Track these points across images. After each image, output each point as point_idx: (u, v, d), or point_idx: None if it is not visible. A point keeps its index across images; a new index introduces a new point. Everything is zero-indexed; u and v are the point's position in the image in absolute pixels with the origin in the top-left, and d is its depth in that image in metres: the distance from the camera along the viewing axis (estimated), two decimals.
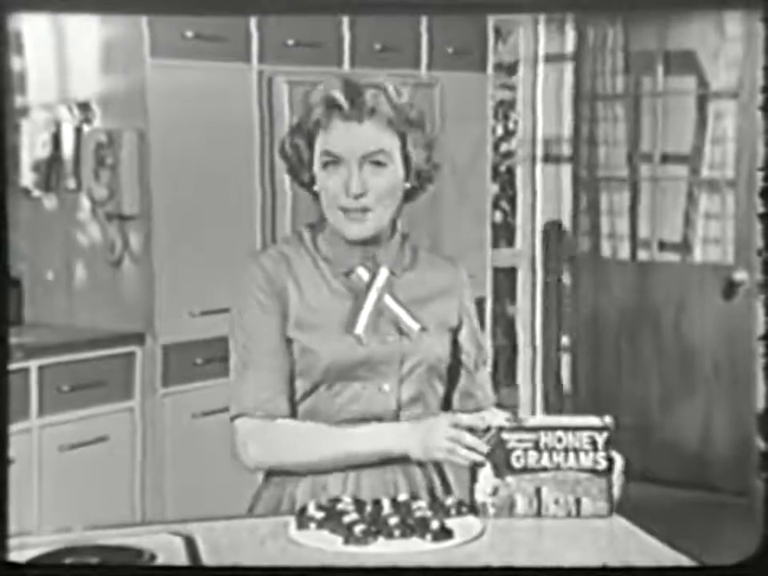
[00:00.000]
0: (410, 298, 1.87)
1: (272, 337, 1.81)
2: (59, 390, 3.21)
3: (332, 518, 1.69)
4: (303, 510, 1.73)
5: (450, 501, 1.78)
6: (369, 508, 1.72)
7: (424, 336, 1.86)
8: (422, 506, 1.73)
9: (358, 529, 1.65)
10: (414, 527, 1.67)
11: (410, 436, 1.78)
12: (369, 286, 1.84)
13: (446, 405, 1.97)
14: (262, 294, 1.81)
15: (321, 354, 1.80)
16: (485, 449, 1.74)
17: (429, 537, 1.66)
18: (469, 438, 1.74)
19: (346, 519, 1.68)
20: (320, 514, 1.70)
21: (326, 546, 1.64)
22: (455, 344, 1.94)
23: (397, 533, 1.66)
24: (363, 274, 1.85)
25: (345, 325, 1.81)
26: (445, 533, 1.67)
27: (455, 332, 1.94)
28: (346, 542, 1.64)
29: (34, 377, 3.17)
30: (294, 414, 1.85)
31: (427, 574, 1.46)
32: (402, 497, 1.77)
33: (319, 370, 1.81)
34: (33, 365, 3.16)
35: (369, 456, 1.81)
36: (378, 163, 1.77)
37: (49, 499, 3.17)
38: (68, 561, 1.60)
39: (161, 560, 1.60)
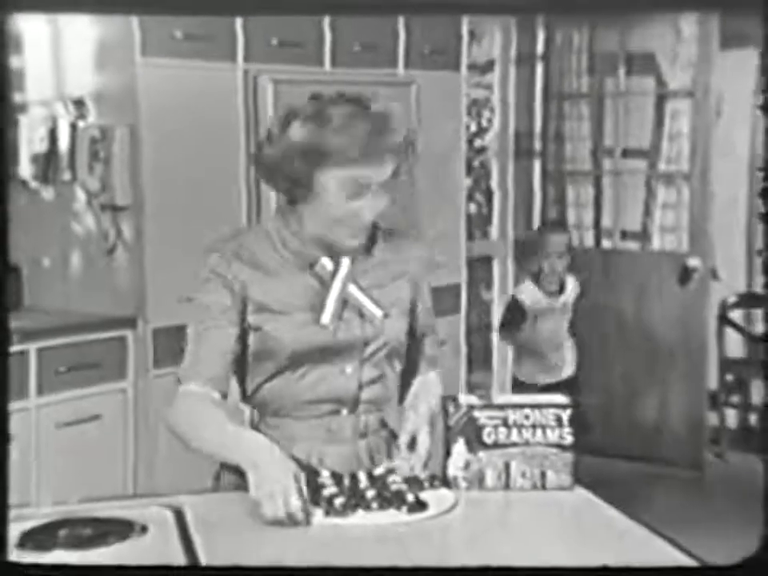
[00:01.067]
0: (372, 282, 1.84)
1: (224, 320, 1.78)
2: (56, 371, 3.18)
3: (313, 490, 1.67)
4: None
5: (424, 474, 1.78)
6: (347, 482, 1.71)
7: (386, 321, 1.83)
8: (397, 480, 1.72)
9: (338, 502, 1.64)
10: (390, 500, 1.66)
11: (258, 461, 1.64)
12: (333, 275, 1.81)
13: (403, 381, 1.95)
14: (220, 281, 1.78)
15: (285, 340, 1.78)
16: (300, 517, 1.59)
17: (405, 509, 1.65)
18: (294, 503, 1.59)
19: (326, 492, 1.66)
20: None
21: None
22: (415, 321, 1.92)
23: (374, 505, 1.65)
24: (327, 263, 1.81)
25: (310, 313, 1.79)
26: (420, 505, 1.66)
27: (414, 309, 1.91)
28: (327, 513, 1.63)
29: (32, 358, 3.14)
30: (246, 394, 1.85)
31: (426, 573, 1.43)
32: (378, 471, 1.76)
33: (284, 356, 1.79)
34: (31, 347, 3.13)
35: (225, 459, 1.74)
36: (384, 191, 1.76)
37: (46, 473, 3.15)
38: (62, 532, 1.58)
39: (152, 531, 1.59)
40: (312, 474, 1.73)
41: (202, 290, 1.81)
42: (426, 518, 1.64)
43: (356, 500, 1.65)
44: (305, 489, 1.62)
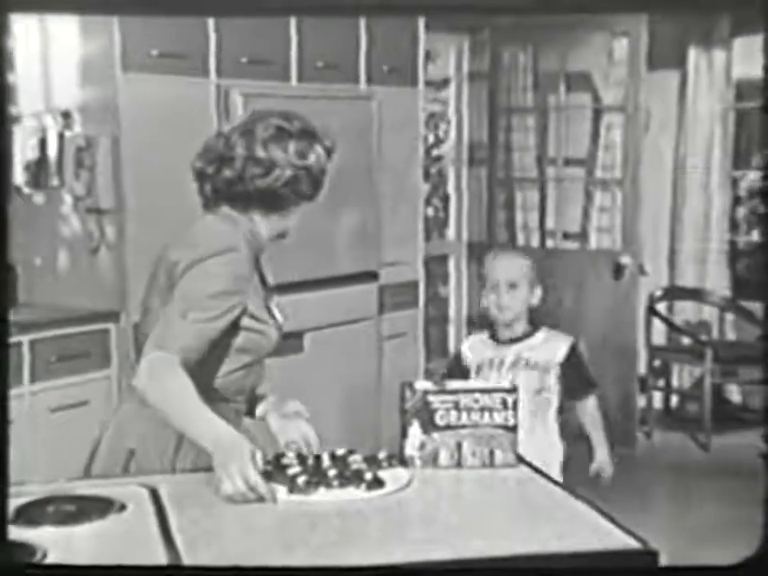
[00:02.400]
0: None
1: (220, 311, 1.72)
2: (48, 361, 3.14)
3: (278, 470, 1.64)
4: None
5: (382, 455, 1.74)
6: (310, 461, 1.67)
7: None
8: (357, 459, 1.69)
9: (301, 480, 1.60)
10: (350, 478, 1.63)
11: (221, 442, 1.59)
12: (266, 284, 1.87)
13: None
14: (233, 282, 1.74)
15: (272, 338, 1.81)
16: (263, 491, 1.54)
17: (363, 486, 1.61)
18: (253, 478, 1.54)
19: (290, 472, 1.62)
20: (267, 468, 1.65)
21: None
22: None
23: (335, 483, 1.62)
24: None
25: (272, 316, 1.84)
26: (377, 483, 1.63)
27: None
28: (290, 491, 1.59)
29: (26, 349, 3.10)
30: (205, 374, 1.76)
31: (435, 573, 1.37)
32: (340, 451, 1.73)
33: (266, 350, 1.82)
34: (25, 339, 3.09)
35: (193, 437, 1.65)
36: None
37: (39, 454, 3.09)
38: (50, 509, 1.54)
39: (130, 508, 1.54)
40: (278, 455, 1.69)
41: (218, 276, 1.73)
42: (383, 495, 1.61)
43: (318, 478, 1.61)
44: (260, 466, 1.57)
